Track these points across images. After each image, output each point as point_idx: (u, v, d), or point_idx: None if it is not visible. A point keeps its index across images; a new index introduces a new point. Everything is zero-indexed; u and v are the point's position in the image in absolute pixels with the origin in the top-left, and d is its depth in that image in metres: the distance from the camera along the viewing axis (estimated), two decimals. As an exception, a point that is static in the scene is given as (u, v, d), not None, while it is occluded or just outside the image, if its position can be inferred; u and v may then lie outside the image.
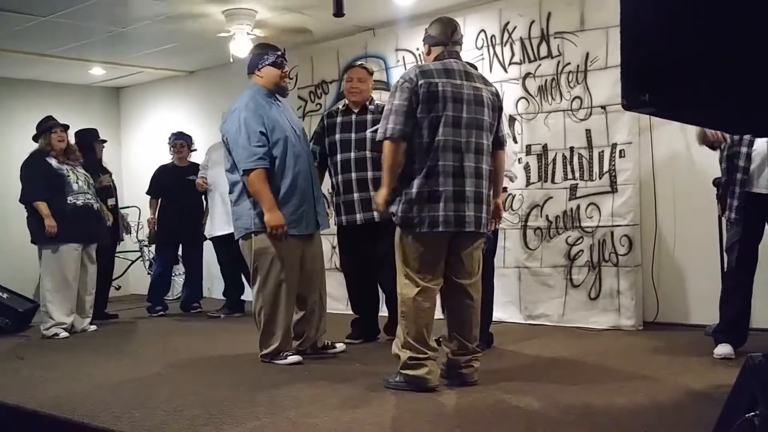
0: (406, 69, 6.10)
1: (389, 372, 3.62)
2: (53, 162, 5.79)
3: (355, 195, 4.75)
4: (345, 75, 4.94)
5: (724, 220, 4.60)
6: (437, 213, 3.44)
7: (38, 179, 5.73)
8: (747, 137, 3.92)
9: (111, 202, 6.59)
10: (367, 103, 4.88)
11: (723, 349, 4.03)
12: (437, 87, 3.46)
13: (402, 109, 3.45)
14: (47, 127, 5.88)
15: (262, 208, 4.18)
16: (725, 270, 4.17)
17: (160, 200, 6.94)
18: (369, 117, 4.81)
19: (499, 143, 3.73)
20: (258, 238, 4.26)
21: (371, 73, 5.05)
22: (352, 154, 4.75)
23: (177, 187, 6.78)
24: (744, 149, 3.94)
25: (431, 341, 3.53)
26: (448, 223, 3.45)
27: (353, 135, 4.78)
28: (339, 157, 4.81)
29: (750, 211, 3.92)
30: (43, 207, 5.63)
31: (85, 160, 6.29)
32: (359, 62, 5.21)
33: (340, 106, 5.03)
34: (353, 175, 4.75)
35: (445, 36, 3.67)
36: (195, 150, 7.07)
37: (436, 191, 3.44)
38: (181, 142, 6.92)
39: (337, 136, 4.83)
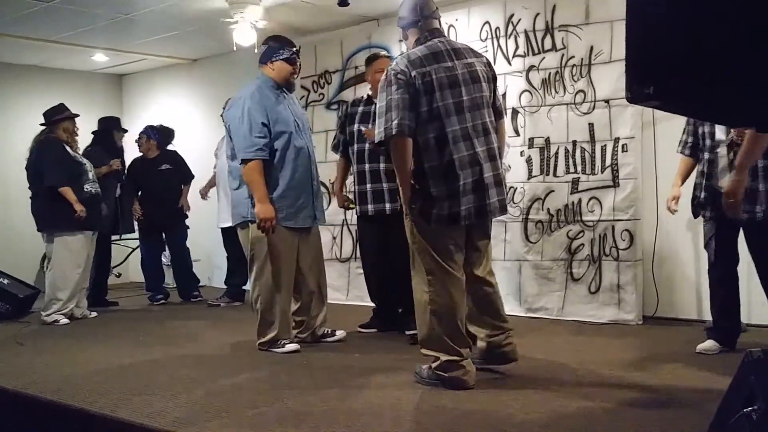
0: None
1: (390, 367, 3.61)
2: (69, 150, 5.84)
3: (368, 186, 4.75)
4: (372, 65, 4.87)
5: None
6: (458, 208, 3.30)
7: (62, 165, 5.74)
8: (708, 142, 4.03)
9: (117, 192, 6.67)
10: None
11: (702, 345, 4.11)
12: (431, 76, 3.28)
13: (402, 102, 3.24)
14: (68, 116, 5.90)
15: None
16: (708, 267, 4.19)
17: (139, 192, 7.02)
18: None
19: (498, 113, 3.57)
20: (255, 227, 4.30)
21: None
22: (367, 145, 4.75)
23: (149, 178, 6.87)
24: (707, 155, 4.04)
25: (464, 333, 3.41)
26: (469, 216, 3.33)
27: (371, 126, 4.76)
28: (356, 147, 4.82)
29: (721, 209, 3.95)
30: (69, 193, 5.65)
31: (104, 145, 6.57)
32: (383, 53, 5.18)
33: (364, 96, 5.00)
34: (366, 166, 4.76)
35: (415, 13, 3.46)
36: (169, 143, 7.07)
37: (454, 186, 3.29)
38: (139, 135, 7.01)
39: (356, 126, 4.82)
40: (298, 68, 4.57)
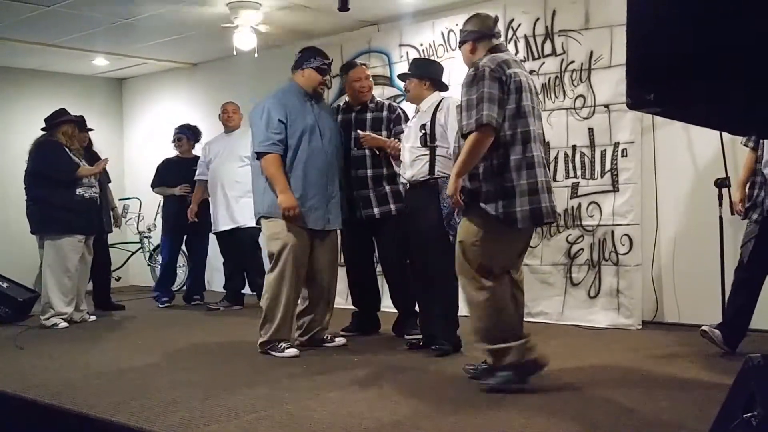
0: (408, 65, 6.09)
1: (390, 371, 3.60)
2: (68, 152, 5.84)
3: (355, 192, 4.76)
4: (348, 75, 4.93)
5: (725, 219, 4.62)
6: (539, 204, 3.39)
7: (66, 160, 5.78)
8: None
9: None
10: (368, 101, 4.89)
11: (709, 327, 4.13)
12: (519, 78, 3.40)
13: (495, 97, 3.29)
14: (68, 119, 5.92)
15: (274, 192, 4.32)
16: (736, 266, 4.18)
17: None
18: (369, 115, 4.83)
19: None
20: (269, 223, 4.38)
21: None
22: (351, 152, 4.76)
23: (180, 179, 6.83)
24: None
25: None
26: (548, 215, 3.44)
27: (352, 133, 4.77)
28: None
29: None
30: (85, 170, 5.81)
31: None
32: (359, 61, 5.26)
33: (341, 104, 5.05)
34: (352, 172, 4.76)
35: (488, 28, 3.61)
36: (199, 141, 7.09)
37: (534, 182, 3.38)
38: (178, 136, 6.99)
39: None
40: (327, 79, 4.71)
